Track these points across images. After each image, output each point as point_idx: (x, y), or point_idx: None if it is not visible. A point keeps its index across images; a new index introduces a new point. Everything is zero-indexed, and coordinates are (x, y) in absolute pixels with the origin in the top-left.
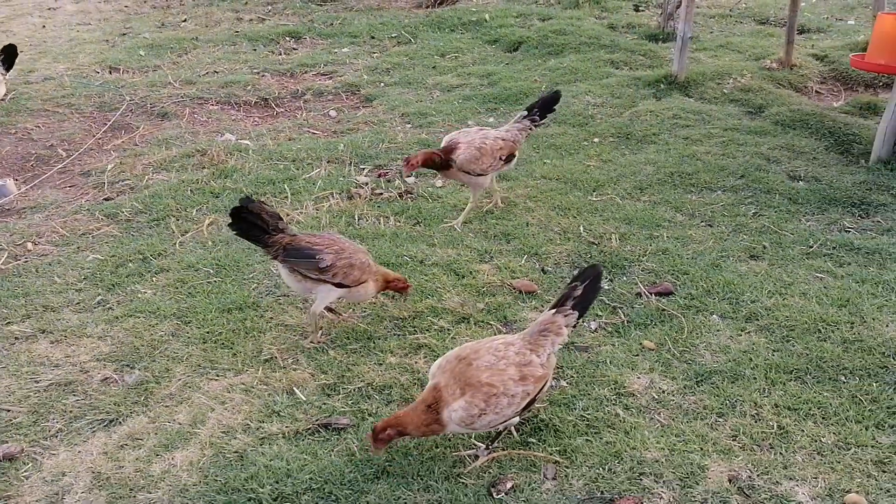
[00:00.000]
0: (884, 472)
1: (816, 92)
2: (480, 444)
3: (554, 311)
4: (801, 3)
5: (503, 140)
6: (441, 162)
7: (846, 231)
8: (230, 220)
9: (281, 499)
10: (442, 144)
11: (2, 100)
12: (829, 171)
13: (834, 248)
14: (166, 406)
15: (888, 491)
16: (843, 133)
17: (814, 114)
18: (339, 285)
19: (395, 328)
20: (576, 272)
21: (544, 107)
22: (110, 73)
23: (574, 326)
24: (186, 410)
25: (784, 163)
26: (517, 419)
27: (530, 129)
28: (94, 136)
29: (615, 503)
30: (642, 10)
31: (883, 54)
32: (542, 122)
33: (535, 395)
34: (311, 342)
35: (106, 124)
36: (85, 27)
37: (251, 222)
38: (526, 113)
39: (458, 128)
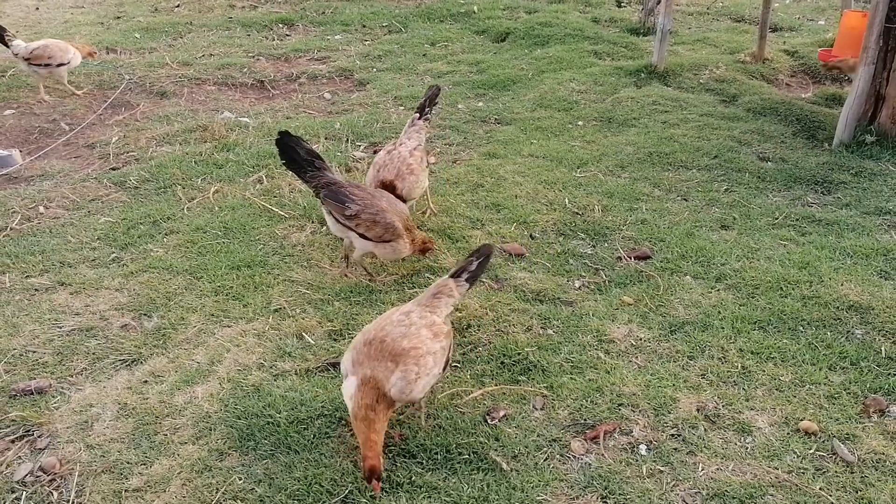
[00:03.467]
0: (834, 404)
1: (786, 84)
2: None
3: (450, 278)
4: (775, 3)
5: (418, 148)
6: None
7: (809, 205)
8: (278, 151)
9: (297, 422)
10: (372, 182)
11: None
12: (796, 153)
13: (797, 219)
14: (184, 349)
15: (837, 419)
16: (810, 120)
17: (783, 102)
18: (362, 236)
19: (395, 283)
20: (474, 249)
21: (430, 103)
22: (107, 53)
23: (462, 295)
24: (203, 352)
25: (754, 145)
26: (438, 380)
27: (427, 127)
28: (95, 112)
29: (596, 428)
30: (624, 6)
31: (849, 49)
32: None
33: (449, 353)
34: (370, 280)
35: (106, 101)
36: (79, 10)
37: (290, 156)
38: (418, 115)
39: (449, 111)
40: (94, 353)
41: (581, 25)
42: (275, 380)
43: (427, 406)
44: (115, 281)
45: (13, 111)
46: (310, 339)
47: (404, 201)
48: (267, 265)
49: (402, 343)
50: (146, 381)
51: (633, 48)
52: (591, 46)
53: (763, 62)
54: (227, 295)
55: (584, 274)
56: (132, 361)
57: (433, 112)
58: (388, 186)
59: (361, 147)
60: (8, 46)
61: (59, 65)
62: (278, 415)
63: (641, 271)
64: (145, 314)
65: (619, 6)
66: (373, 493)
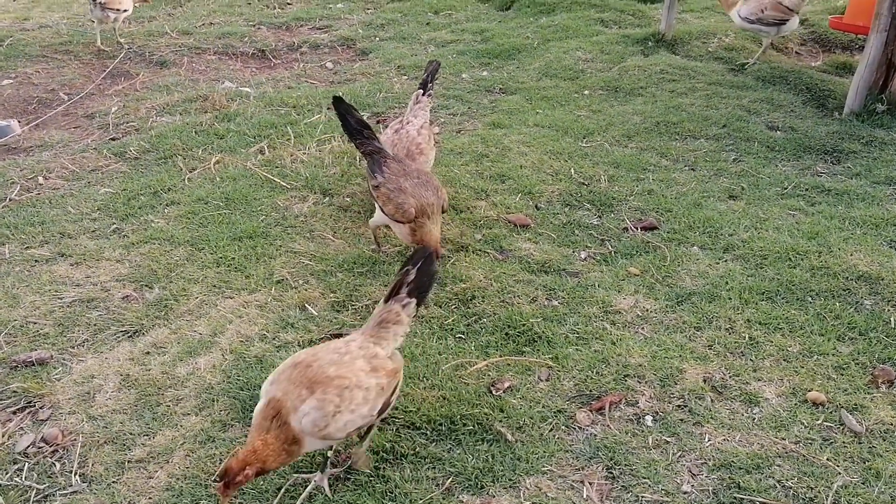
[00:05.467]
0: (842, 375)
1: (796, 52)
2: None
3: (388, 301)
4: None
5: (424, 125)
6: None
7: (818, 175)
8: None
9: None
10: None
11: None
12: (805, 122)
13: (806, 189)
14: (186, 320)
15: (845, 390)
16: (820, 89)
17: (793, 71)
18: (381, 209)
19: (398, 254)
20: (408, 257)
21: (432, 78)
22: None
23: (414, 315)
24: (206, 323)
25: (763, 114)
26: (374, 423)
27: (430, 103)
28: (94, 81)
29: (602, 399)
30: None
31: (860, 16)
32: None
33: (392, 394)
34: (372, 251)
35: (105, 70)
36: None
37: (343, 121)
38: (422, 91)
39: (453, 80)
40: (95, 325)
41: None
42: (277, 351)
43: (368, 465)
44: (116, 252)
45: (11, 81)
46: (313, 311)
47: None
48: (269, 236)
49: (327, 370)
50: (148, 353)
51: (641, 16)
52: (597, 14)
53: None
54: (228, 266)
55: (589, 245)
56: (134, 333)
57: (433, 87)
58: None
59: (365, 117)
60: None
61: (124, 10)
62: None
63: (648, 242)
64: (147, 285)
65: None
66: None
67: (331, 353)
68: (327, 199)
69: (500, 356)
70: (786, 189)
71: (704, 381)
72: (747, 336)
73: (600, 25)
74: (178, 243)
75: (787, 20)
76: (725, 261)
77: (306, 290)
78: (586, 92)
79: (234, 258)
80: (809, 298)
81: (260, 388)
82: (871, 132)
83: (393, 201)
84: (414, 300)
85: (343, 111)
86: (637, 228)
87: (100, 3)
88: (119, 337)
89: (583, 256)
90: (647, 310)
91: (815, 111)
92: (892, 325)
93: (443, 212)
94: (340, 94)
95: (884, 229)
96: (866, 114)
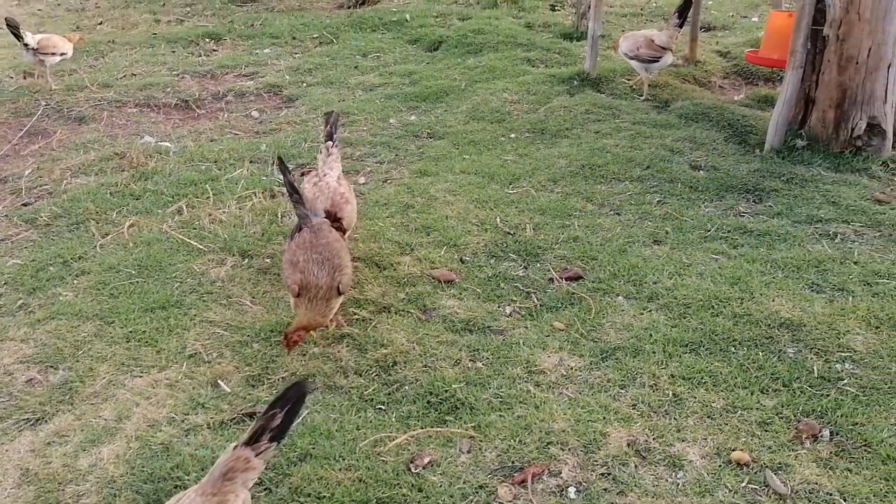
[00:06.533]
0: (766, 431)
1: (720, 86)
2: None
3: (244, 446)
4: (709, 1)
5: (340, 176)
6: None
7: (741, 216)
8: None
9: None
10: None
11: None
12: (727, 160)
13: (729, 231)
14: (92, 404)
15: (769, 447)
16: (741, 125)
17: (715, 107)
18: None
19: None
20: (280, 393)
21: (335, 128)
22: (24, 78)
23: (267, 461)
24: (112, 407)
25: (686, 153)
26: None
27: (339, 153)
28: (9, 142)
29: (524, 471)
30: (558, 10)
31: (775, 49)
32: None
33: None
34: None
35: (22, 130)
36: None
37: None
38: (331, 143)
39: (381, 126)
40: None
41: (514, 32)
42: (185, 436)
43: None
44: (21, 331)
45: None
46: (225, 387)
47: (344, 232)
48: (183, 305)
49: None
50: (50, 443)
51: (567, 54)
52: (524, 53)
53: (695, 65)
54: (139, 341)
55: (515, 298)
56: (36, 420)
57: (338, 137)
58: (330, 218)
59: (290, 167)
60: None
61: (61, 54)
62: (187, 476)
63: (573, 293)
64: (52, 366)
65: (553, 10)
66: None
67: None
68: (246, 261)
69: (422, 427)
70: (709, 231)
71: (628, 444)
72: (671, 393)
73: (527, 65)
74: (86, 318)
75: (660, 57)
76: (650, 310)
77: (220, 364)
78: (513, 135)
79: (145, 331)
80: (732, 349)
81: (165, 478)
82: (792, 169)
83: (284, 271)
84: (273, 444)
85: (282, 170)
86: (562, 279)
87: (32, 48)
88: (21, 426)
89: (508, 312)
90: (572, 368)
91: (738, 148)
92: (815, 375)
93: (339, 294)
94: (265, 145)
95: (805, 271)
96: (787, 150)
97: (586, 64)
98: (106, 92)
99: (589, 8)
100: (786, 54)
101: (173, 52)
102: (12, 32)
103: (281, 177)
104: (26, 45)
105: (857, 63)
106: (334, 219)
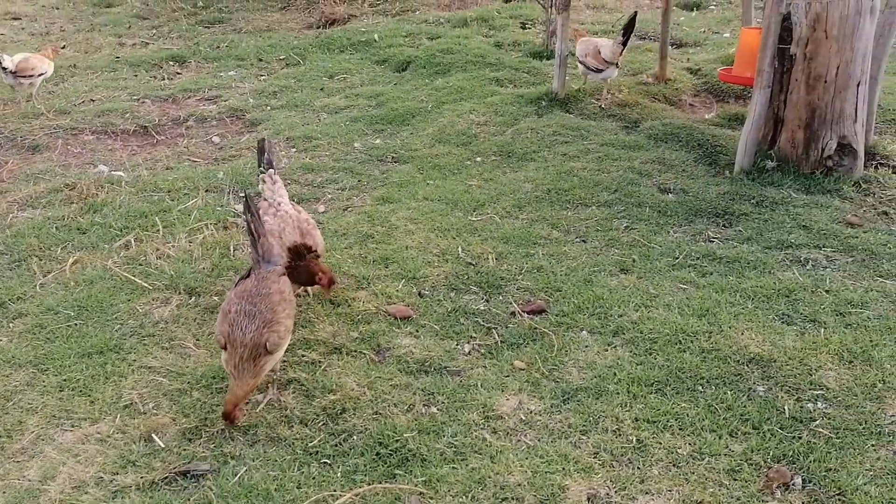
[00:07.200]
0: (735, 479)
1: (690, 105)
2: None
3: None
4: (680, 17)
5: (292, 204)
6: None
7: (710, 241)
8: None
9: None
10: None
11: None
12: (697, 182)
13: (698, 258)
14: (17, 462)
15: (738, 498)
16: (711, 145)
17: (684, 127)
18: None
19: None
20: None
21: (272, 154)
22: None
23: None
24: (38, 465)
25: (655, 176)
26: None
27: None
28: None
29: None
30: (529, 28)
31: (748, 68)
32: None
33: None
34: None
35: None
36: None
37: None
38: (273, 171)
39: (345, 151)
40: None
41: (483, 51)
42: (112, 499)
43: None
44: None
45: None
46: (160, 442)
47: (318, 256)
48: (122, 350)
49: None
50: None
51: (536, 73)
52: (492, 73)
53: (665, 83)
54: (73, 390)
55: (474, 335)
56: None
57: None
58: (303, 248)
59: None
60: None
61: (40, 74)
62: None
63: (536, 328)
64: None
65: (524, 28)
66: None
67: None
68: (193, 299)
69: (368, 483)
70: (677, 259)
71: (588, 499)
72: (635, 438)
73: (495, 85)
74: (19, 365)
75: (604, 69)
76: (615, 346)
77: (155, 415)
78: (479, 158)
79: (79, 379)
80: (700, 388)
81: None
82: (762, 191)
83: (217, 320)
84: None
85: (249, 211)
86: (525, 313)
87: (10, 71)
88: None
89: (467, 350)
90: (531, 411)
91: (708, 169)
92: (787, 415)
93: (267, 352)
94: (222, 173)
95: (775, 301)
96: (756, 171)
97: (554, 84)
98: (63, 119)
99: (557, 26)
100: None
101: (135, 75)
102: None
103: (239, 208)
104: (4, 68)
105: (825, 82)
106: (308, 249)
